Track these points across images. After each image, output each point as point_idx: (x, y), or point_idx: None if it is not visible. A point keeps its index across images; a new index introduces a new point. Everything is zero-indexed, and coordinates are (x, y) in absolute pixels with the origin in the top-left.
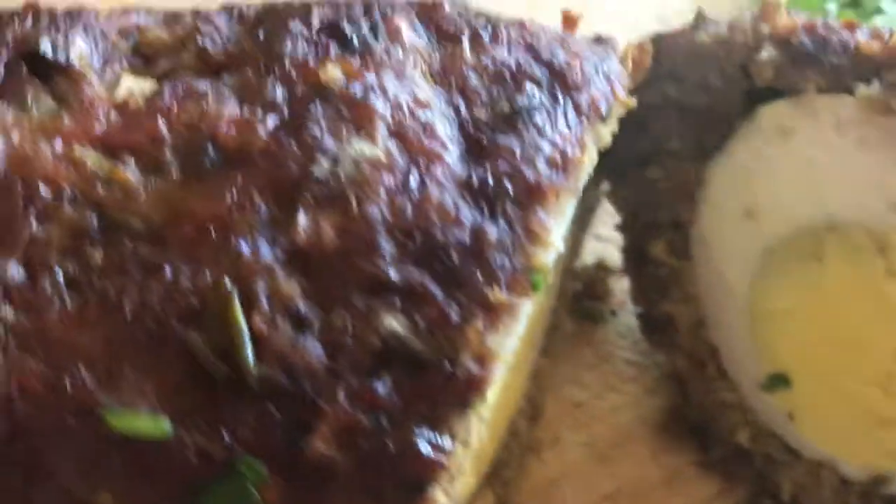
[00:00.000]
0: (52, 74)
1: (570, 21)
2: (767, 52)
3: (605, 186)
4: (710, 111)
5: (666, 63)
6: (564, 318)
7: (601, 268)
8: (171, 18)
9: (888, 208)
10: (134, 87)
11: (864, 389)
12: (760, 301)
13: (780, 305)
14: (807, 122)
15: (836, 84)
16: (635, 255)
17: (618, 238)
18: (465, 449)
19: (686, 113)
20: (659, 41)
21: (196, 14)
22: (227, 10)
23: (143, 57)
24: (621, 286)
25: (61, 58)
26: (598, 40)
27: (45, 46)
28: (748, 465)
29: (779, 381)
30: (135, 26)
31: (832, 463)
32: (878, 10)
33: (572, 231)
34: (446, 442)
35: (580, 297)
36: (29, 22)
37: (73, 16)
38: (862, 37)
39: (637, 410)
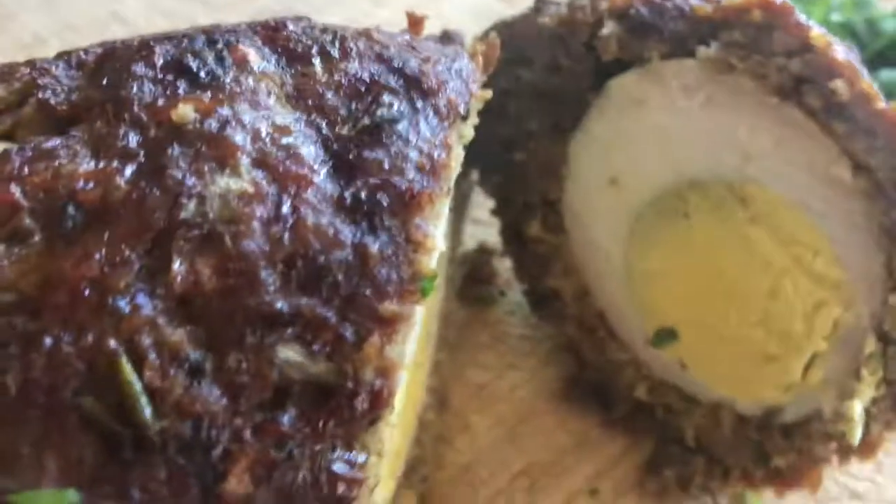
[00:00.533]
0: None
1: (415, 22)
2: (608, 27)
3: (475, 175)
4: (562, 90)
5: (514, 48)
6: (455, 306)
7: (483, 251)
8: (7, 72)
9: (742, 160)
10: None
11: (746, 331)
12: (636, 263)
13: (655, 265)
14: (655, 89)
15: (677, 49)
16: (513, 237)
17: (495, 221)
18: (379, 459)
19: (541, 94)
20: (504, 27)
21: (31, 65)
22: (64, 58)
23: None
24: (505, 266)
25: None
26: (445, 37)
27: None
28: (651, 418)
29: (666, 335)
30: None
31: (728, 402)
32: None
33: (451, 222)
34: (360, 457)
35: (468, 282)
36: None
37: None
38: (695, 1)
39: (537, 384)
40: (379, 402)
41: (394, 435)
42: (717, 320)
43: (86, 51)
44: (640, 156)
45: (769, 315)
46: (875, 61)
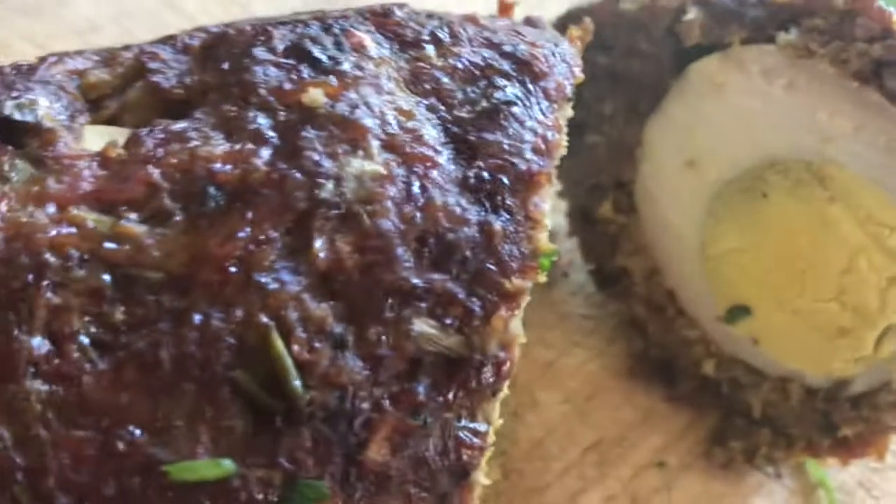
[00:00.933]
0: (22, 137)
1: (505, 7)
2: (692, 13)
3: None
4: (641, 74)
5: (594, 34)
6: None
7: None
8: (109, 57)
9: (821, 142)
10: (103, 136)
11: (820, 306)
12: (712, 243)
13: (731, 244)
14: (735, 73)
15: (758, 35)
16: (582, 218)
17: (557, 203)
18: (493, 428)
19: (618, 79)
20: (583, 13)
21: (134, 49)
22: (168, 42)
23: (89, 102)
24: (566, 247)
25: (29, 118)
26: (529, 21)
27: (11, 109)
28: (715, 393)
29: (739, 311)
30: (74, 71)
31: (797, 376)
32: None
33: None
34: (482, 426)
35: None
36: None
37: (26, 71)
38: None
39: (603, 360)
40: (501, 373)
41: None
42: (791, 296)
43: (190, 35)
44: (720, 138)
45: (843, 290)
46: None
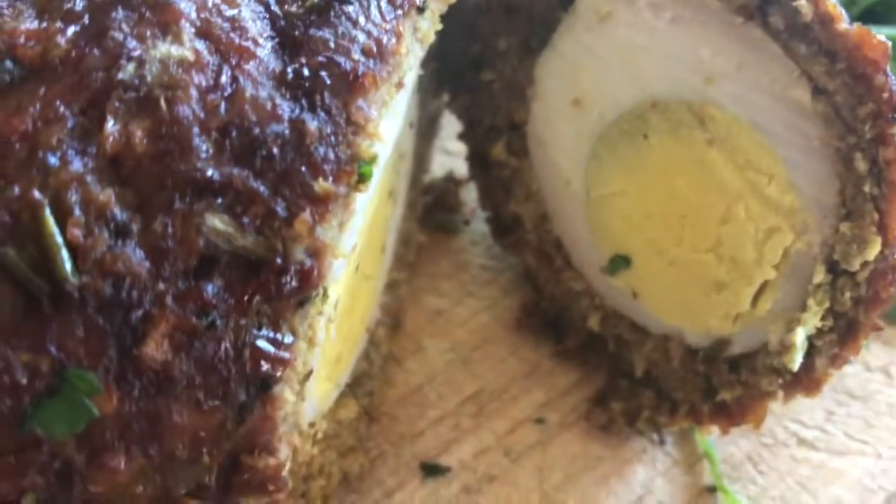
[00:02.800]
0: None
1: None
2: None
3: (446, 97)
4: (532, 6)
5: None
6: (416, 231)
7: (450, 180)
8: None
9: (704, 82)
10: None
11: (698, 257)
12: (594, 187)
13: (612, 188)
14: (622, 5)
15: None
16: (479, 161)
17: (463, 151)
18: (310, 347)
19: (511, 11)
20: None
21: None
22: None
23: None
24: (472, 196)
25: None
26: None
27: None
28: (603, 350)
29: (619, 262)
30: None
31: (677, 334)
32: None
33: (416, 143)
34: (287, 338)
35: (432, 209)
36: None
37: None
38: None
39: (495, 312)
40: (308, 281)
41: (330, 331)
42: (669, 245)
43: None
44: (605, 75)
45: (721, 241)
46: (864, 18)
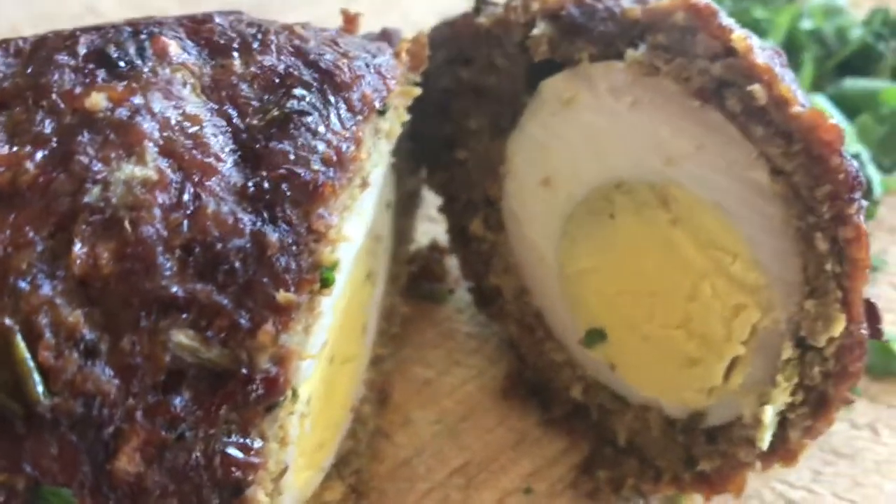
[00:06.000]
0: None
1: (349, 19)
2: (540, 28)
3: (423, 173)
4: (499, 90)
5: (454, 47)
6: (399, 303)
7: (435, 249)
8: None
9: (665, 163)
10: None
11: (668, 333)
12: (567, 263)
13: (583, 265)
14: (584, 90)
15: (606, 51)
16: (459, 234)
17: (441, 219)
18: (282, 447)
19: (480, 93)
20: (445, 27)
21: None
22: (3, 45)
23: None
24: (456, 264)
25: None
26: (384, 34)
27: None
28: (587, 418)
29: (595, 335)
30: None
31: (655, 405)
32: None
33: (396, 220)
34: (256, 443)
35: (417, 278)
36: None
37: None
38: (626, 2)
39: (481, 381)
40: (274, 388)
41: (305, 426)
42: (641, 321)
43: (24, 39)
44: (571, 156)
45: (689, 317)
46: (842, 69)
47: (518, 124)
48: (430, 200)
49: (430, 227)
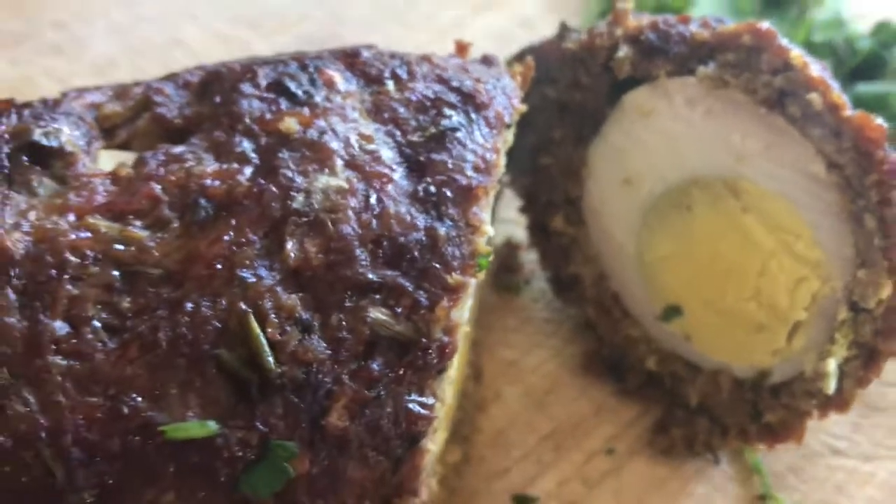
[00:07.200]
0: (48, 159)
1: (461, 48)
2: (623, 51)
3: (506, 177)
4: (583, 104)
5: (541, 69)
6: (488, 292)
7: (510, 245)
8: (121, 92)
9: (736, 161)
10: (115, 158)
11: (741, 305)
12: (646, 252)
13: (662, 252)
14: (662, 102)
15: (681, 68)
16: (539, 230)
17: (520, 219)
18: (441, 405)
19: (564, 108)
20: (532, 51)
21: (143, 85)
22: (171, 79)
23: (104, 130)
24: (529, 258)
25: (54, 143)
26: (486, 60)
27: (39, 136)
28: (660, 386)
29: (672, 311)
30: (91, 104)
31: (725, 369)
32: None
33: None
34: (430, 400)
35: (497, 272)
36: (14, 117)
37: (52, 104)
38: (694, 27)
39: (561, 359)
40: (445, 355)
41: (448, 390)
42: (715, 297)
43: (189, 72)
44: (650, 159)
45: (759, 290)
46: (853, 76)
47: (600, 133)
48: (503, 203)
49: (503, 228)
